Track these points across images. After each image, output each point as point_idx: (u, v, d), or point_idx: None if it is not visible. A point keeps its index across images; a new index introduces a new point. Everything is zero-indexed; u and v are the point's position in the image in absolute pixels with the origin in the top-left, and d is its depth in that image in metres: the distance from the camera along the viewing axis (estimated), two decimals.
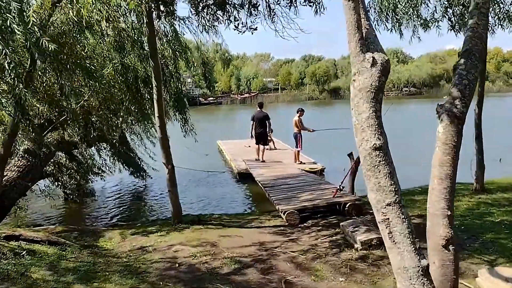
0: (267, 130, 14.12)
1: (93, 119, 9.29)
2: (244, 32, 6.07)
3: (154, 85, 6.42)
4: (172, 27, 8.25)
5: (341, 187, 9.33)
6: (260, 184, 11.01)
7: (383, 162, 3.37)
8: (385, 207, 3.32)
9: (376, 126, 3.44)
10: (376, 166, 3.37)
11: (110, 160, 12.39)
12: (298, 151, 14.26)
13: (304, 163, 14.06)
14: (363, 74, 3.52)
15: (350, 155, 9.31)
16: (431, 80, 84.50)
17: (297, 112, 14.19)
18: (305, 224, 8.20)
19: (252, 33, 6.07)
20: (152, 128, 11.53)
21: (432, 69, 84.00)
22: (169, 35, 8.31)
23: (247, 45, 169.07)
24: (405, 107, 51.98)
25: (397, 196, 3.33)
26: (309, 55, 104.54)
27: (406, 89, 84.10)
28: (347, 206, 8.58)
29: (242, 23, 5.90)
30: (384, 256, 5.92)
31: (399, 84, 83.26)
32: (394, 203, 3.30)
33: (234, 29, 6.02)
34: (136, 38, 7.62)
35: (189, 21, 7.85)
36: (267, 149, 15.53)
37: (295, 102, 73.45)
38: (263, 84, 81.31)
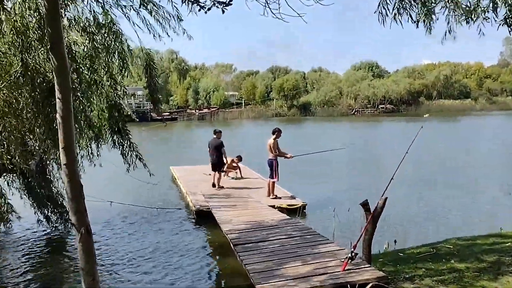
0: (223, 158, 14.75)
1: None
2: (209, 8, 4.30)
3: (57, 96, 4.45)
4: (105, 12, 6.42)
5: (353, 255, 6.87)
6: (228, 239, 9.01)
7: None
8: None
9: None
10: None
11: (21, 197, 10.31)
12: (273, 183, 13.30)
13: (280, 198, 13.33)
14: None
15: (365, 205, 7.18)
16: (409, 96, 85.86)
17: (273, 134, 13.24)
18: None
19: (223, 11, 4.30)
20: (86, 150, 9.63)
21: (410, 84, 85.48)
22: (95, 23, 6.46)
23: (207, 54, 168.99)
24: (387, 125, 51.82)
25: None
26: (275, 66, 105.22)
27: (382, 106, 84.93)
28: None
29: None
30: None
31: (375, 100, 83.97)
32: None
33: (194, 2, 4.23)
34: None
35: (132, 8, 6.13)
36: (232, 178, 16.47)
37: (260, 118, 72.77)
38: (225, 98, 79.95)
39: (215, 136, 14.81)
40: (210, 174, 16.49)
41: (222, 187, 14.82)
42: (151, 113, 58.61)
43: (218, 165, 14.82)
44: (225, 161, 15.18)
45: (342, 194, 15.09)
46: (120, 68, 7.67)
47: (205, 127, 50.89)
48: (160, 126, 39.00)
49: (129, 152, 9.16)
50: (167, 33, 6.40)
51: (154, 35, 6.48)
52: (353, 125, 54.94)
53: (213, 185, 14.85)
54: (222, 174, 15.43)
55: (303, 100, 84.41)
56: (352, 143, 25.36)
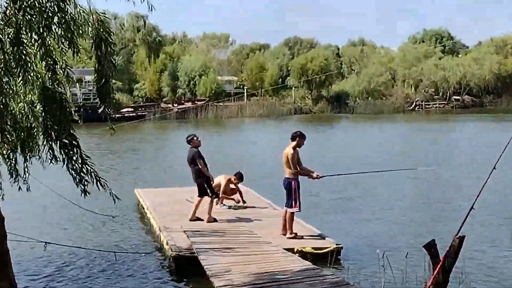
0: (203, 174, 15.04)
1: None
2: None
3: None
4: None
5: None
6: None
7: None
8: None
9: None
10: None
11: None
12: (292, 214, 13.33)
13: (302, 237, 13.37)
14: None
15: (431, 248, 7.12)
16: (498, 82, 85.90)
17: (292, 140, 13.31)
18: None
19: None
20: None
21: (500, 64, 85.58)
22: None
23: (190, 19, 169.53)
24: (464, 127, 51.85)
25: None
26: (295, 38, 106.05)
27: (456, 98, 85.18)
28: None
29: None
30: None
31: (446, 88, 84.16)
32: None
33: None
34: None
35: None
36: (229, 206, 16.79)
37: (272, 116, 72.79)
38: (218, 86, 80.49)
39: (190, 146, 15.21)
40: (192, 198, 16.65)
41: (215, 220, 14.93)
42: (105, 109, 59.12)
43: (201, 187, 15.04)
44: (211, 178, 15.30)
45: (396, 231, 15.15)
46: (63, 40, 7.79)
47: (187, 130, 51.08)
48: (122, 128, 39.35)
49: (78, 169, 9.21)
50: None
51: None
52: (413, 126, 55.01)
53: (194, 218, 15.08)
54: (215, 200, 15.52)
55: (336, 88, 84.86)
56: (430, 166, 25.43)
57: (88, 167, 9.06)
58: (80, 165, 9.02)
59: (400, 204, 19.27)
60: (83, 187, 8.91)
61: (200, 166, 14.91)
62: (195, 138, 15.20)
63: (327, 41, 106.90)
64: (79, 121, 10.33)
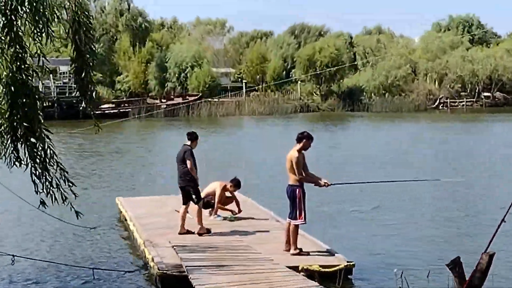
0: (191, 175, 15.01)
1: None
2: None
3: None
4: None
5: None
6: None
7: None
8: None
9: None
10: None
11: None
12: (296, 227, 13.32)
13: (308, 253, 13.35)
14: None
15: (456, 266, 7.13)
16: None
17: (298, 142, 13.32)
18: None
19: None
20: None
21: None
22: None
23: (181, 4, 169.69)
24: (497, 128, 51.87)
25: None
26: (301, 25, 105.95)
27: (487, 95, 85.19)
28: None
29: None
30: None
31: (475, 84, 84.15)
32: None
33: None
34: None
35: None
36: (224, 218, 16.53)
37: (274, 114, 72.77)
38: (212, 80, 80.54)
39: (186, 144, 15.18)
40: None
41: (208, 232, 14.96)
42: (85, 105, 59.04)
43: (186, 192, 15.01)
44: (197, 180, 15.22)
45: (415, 247, 15.14)
46: (34, 24, 7.81)
47: (177, 130, 51.11)
48: (101, 127, 39.47)
49: (49, 174, 9.24)
50: None
51: None
52: (437, 127, 54.97)
53: (184, 231, 15.03)
54: (207, 210, 15.45)
55: (348, 83, 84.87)
56: (456, 174, 25.39)
57: (52, 173, 9.06)
58: (42, 170, 9.04)
59: (420, 217, 19.27)
60: (47, 195, 8.93)
61: (188, 166, 14.86)
62: (192, 135, 15.18)
63: (338, 28, 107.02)
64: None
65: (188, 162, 14.79)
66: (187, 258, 12.66)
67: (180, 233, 14.93)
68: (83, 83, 8.62)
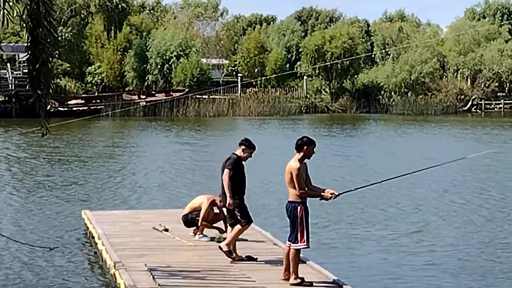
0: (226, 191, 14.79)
1: None
2: None
3: None
4: None
5: None
6: None
7: None
8: None
9: None
10: None
11: None
12: (297, 252, 13.29)
13: (311, 284, 13.35)
14: None
15: None
16: None
17: (298, 149, 13.27)
18: None
19: None
20: None
21: None
22: None
23: None
24: None
25: None
26: (309, 9, 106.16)
27: None
28: None
29: None
30: None
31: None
32: None
33: None
34: None
35: None
36: (212, 238, 16.63)
37: (275, 115, 72.85)
38: (202, 72, 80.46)
39: (235, 152, 15.06)
40: (167, 230, 16.97)
41: (242, 259, 14.85)
42: (51, 101, 58.87)
43: (228, 210, 14.92)
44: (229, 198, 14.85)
45: (440, 277, 15.08)
46: None
47: (158, 132, 51.11)
48: (68, 127, 39.32)
49: None
50: None
51: None
52: (470, 133, 54.92)
53: (239, 258, 14.80)
54: (191, 229, 15.71)
55: (364, 79, 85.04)
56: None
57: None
58: None
59: (448, 239, 19.19)
60: None
61: (222, 177, 14.65)
62: (245, 143, 15.01)
63: (353, 14, 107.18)
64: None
65: (227, 172, 14.63)
66: (167, 285, 12.70)
67: (233, 260, 14.75)
68: (40, 75, 8.56)
